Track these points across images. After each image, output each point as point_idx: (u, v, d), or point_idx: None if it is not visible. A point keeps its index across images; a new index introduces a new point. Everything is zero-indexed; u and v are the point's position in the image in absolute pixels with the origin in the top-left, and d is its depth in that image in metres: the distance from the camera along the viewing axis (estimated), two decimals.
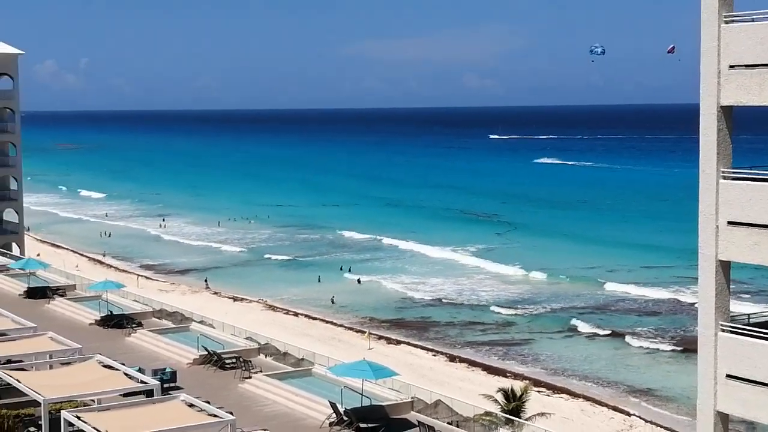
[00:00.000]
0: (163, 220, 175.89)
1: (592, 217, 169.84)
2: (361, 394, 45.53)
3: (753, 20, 29.59)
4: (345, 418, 43.94)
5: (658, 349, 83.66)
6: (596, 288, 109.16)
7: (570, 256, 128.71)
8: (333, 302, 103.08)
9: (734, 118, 30.59)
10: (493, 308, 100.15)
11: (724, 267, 30.66)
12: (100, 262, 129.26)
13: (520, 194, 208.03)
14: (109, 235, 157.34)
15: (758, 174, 30.50)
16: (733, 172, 30.35)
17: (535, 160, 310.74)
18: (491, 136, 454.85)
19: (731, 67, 29.65)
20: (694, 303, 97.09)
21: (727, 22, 29.74)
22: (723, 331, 30.61)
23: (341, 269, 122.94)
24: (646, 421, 65.01)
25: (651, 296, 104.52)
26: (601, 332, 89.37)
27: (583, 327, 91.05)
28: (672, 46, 79.50)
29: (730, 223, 30.10)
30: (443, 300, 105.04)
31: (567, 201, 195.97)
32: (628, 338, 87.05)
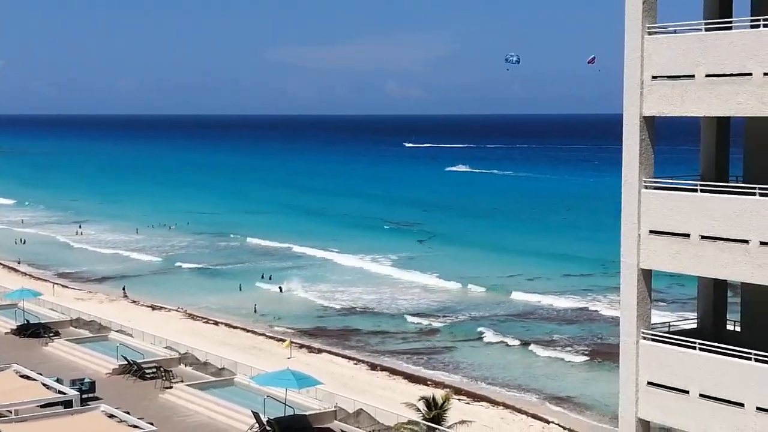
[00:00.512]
0: (80, 227, 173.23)
1: (508, 225, 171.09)
2: (285, 404, 45.28)
3: (675, 32, 30.06)
4: (268, 428, 43.66)
5: (574, 357, 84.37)
6: (514, 297, 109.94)
7: (488, 265, 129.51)
8: (255, 311, 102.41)
9: (656, 128, 31.05)
10: (413, 317, 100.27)
11: (646, 276, 31.05)
12: (15, 270, 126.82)
13: (436, 203, 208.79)
14: (24, 242, 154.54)
15: (679, 184, 30.99)
16: (655, 182, 30.77)
17: (447, 168, 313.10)
18: (406, 145, 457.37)
19: (654, 77, 30.08)
20: (610, 312, 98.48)
21: (650, 34, 30.16)
22: (644, 338, 30.98)
23: (263, 277, 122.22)
24: (565, 429, 65.48)
25: (567, 305, 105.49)
26: (518, 341, 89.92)
27: (501, 336, 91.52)
28: (592, 56, 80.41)
29: (651, 232, 30.51)
30: (363, 309, 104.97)
31: (481, 209, 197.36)
32: (544, 346, 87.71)
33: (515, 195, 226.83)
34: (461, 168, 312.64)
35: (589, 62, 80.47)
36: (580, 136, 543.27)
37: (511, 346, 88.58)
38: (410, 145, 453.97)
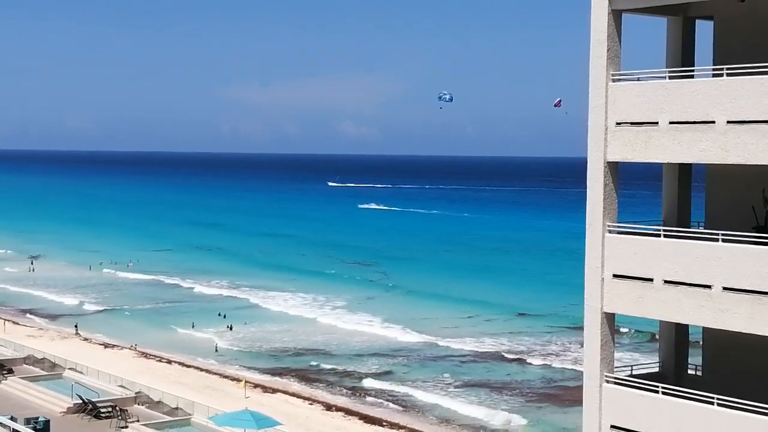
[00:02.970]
0: (32, 262, 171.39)
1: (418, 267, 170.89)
2: None
3: (639, 79, 30.48)
4: None
5: (530, 398, 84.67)
6: (465, 339, 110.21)
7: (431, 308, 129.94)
8: (217, 350, 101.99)
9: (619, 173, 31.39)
10: (366, 358, 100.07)
11: (609, 319, 31.26)
12: None
13: (349, 242, 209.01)
14: None
15: (642, 229, 31.32)
16: (619, 227, 31.05)
17: (360, 206, 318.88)
18: (330, 183, 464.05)
19: (618, 124, 30.44)
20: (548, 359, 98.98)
21: (614, 80, 30.56)
22: (607, 382, 31.13)
23: (219, 314, 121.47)
24: None
25: (521, 348, 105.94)
26: (478, 382, 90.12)
27: (460, 376, 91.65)
28: (558, 99, 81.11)
29: (615, 276, 30.73)
30: (316, 350, 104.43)
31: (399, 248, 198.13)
32: (498, 391, 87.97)
33: (425, 233, 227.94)
34: (373, 206, 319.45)
35: (555, 105, 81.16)
36: (520, 178, 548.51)
37: (471, 386, 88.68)
38: (333, 184, 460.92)
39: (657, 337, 35.81)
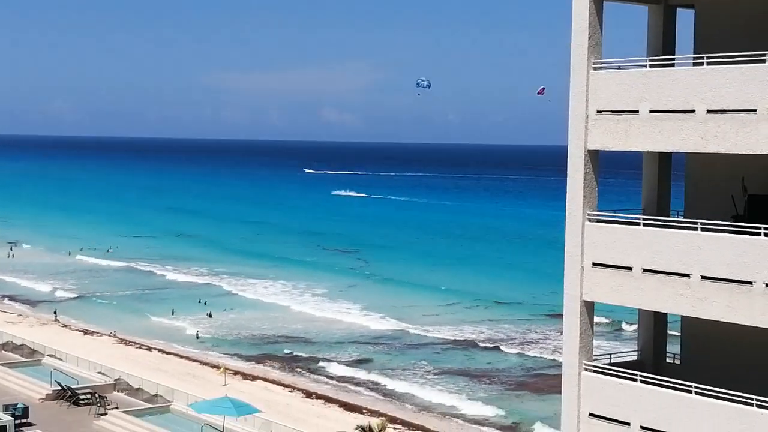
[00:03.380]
0: (11, 249, 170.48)
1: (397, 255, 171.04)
2: None
3: (620, 68, 30.42)
4: None
5: (509, 385, 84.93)
6: (444, 326, 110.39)
7: (410, 296, 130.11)
8: (198, 337, 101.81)
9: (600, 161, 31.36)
10: (347, 345, 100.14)
11: (588, 307, 31.23)
12: None
13: (324, 229, 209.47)
14: None
15: (622, 218, 31.30)
16: (598, 215, 31.01)
17: (333, 192, 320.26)
18: (306, 170, 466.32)
19: (599, 112, 30.38)
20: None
21: (595, 69, 30.49)
22: (586, 370, 31.15)
23: (200, 302, 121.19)
24: None
25: (499, 336, 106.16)
26: (456, 370, 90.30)
27: (438, 364, 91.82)
28: (542, 87, 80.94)
29: (594, 264, 30.71)
30: (296, 337, 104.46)
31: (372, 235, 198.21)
32: (476, 379, 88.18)
33: (398, 221, 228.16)
34: (344, 193, 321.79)
35: (539, 93, 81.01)
36: (502, 166, 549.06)
37: (449, 374, 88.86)
38: (310, 171, 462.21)
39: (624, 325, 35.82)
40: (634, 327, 36.81)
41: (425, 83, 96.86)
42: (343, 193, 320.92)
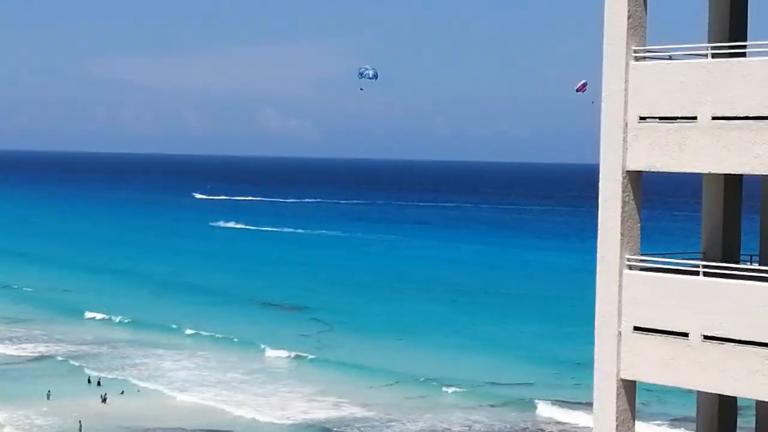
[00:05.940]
0: None
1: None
2: None
3: (671, 58, 30.03)
4: None
5: None
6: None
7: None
8: (80, 429, 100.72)
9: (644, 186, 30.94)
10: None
11: (628, 388, 30.71)
12: None
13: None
14: None
15: (674, 264, 30.75)
16: (641, 260, 30.56)
17: (212, 223, 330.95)
18: (196, 195, 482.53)
19: (642, 119, 29.95)
20: None
21: (637, 59, 30.05)
22: None
23: (89, 381, 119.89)
24: None
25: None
26: None
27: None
28: (583, 81, 79.45)
29: (636, 329, 30.23)
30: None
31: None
32: None
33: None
34: (227, 224, 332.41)
35: (578, 90, 79.81)
36: (501, 191, 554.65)
37: None
38: (201, 196, 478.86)
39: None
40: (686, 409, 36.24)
41: (370, 73, 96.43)
42: (222, 224, 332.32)
